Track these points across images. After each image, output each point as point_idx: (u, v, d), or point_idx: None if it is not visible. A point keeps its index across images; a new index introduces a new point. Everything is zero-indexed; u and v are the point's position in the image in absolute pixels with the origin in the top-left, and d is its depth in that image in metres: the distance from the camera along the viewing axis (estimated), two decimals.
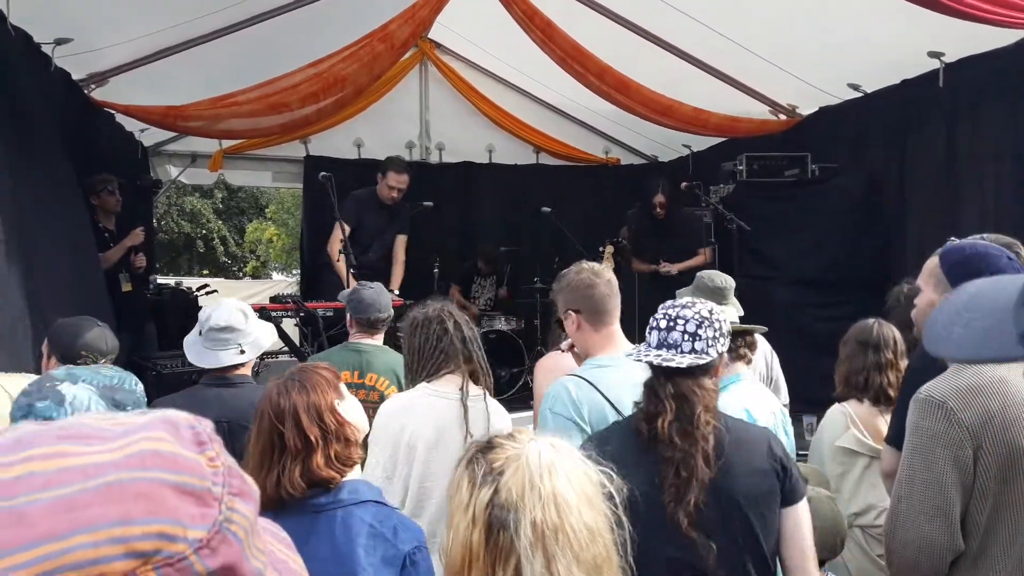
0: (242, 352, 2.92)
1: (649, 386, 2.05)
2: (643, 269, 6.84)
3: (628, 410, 2.46)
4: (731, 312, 3.45)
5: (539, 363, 3.39)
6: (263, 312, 5.03)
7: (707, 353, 2.05)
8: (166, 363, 5.66)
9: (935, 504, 1.89)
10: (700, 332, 2.05)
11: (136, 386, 1.71)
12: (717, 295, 3.60)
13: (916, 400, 1.97)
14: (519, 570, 1.29)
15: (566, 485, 1.33)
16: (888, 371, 3.00)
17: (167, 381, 5.53)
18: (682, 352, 2.03)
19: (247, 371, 3.00)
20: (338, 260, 5.71)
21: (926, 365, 2.43)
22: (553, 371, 3.15)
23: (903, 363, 3.01)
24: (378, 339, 3.64)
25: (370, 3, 5.92)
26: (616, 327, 2.62)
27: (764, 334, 3.41)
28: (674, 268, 6.53)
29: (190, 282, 8.93)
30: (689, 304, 2.10)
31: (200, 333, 2.99)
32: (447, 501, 1.49)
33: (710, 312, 2.09)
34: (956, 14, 4.16)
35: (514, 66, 7.71)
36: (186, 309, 7.24)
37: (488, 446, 1.40)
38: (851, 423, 3.01)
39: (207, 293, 7.68)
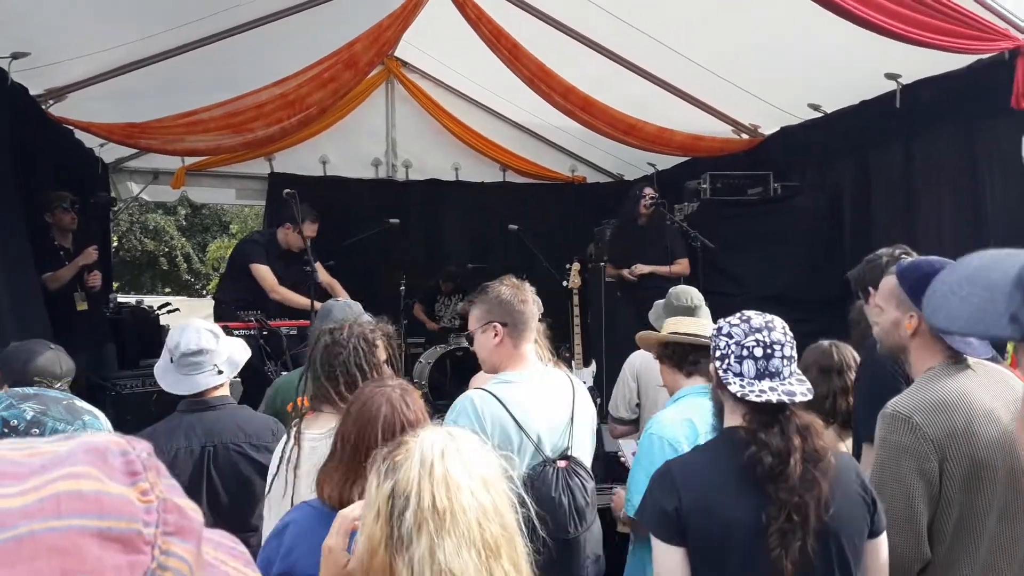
0: (220, 373, 2.83)
1: (769, 416, 1.88)
2: (615, 274, 6.71)
3: (532, 426, 2.44)
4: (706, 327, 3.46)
5: (474, 377, 3.35)
6: (225, 331, 4.96)
7: (800, 372, 1.96)
8: (125, 383, 5.55)
9: (902, 515, 1.94)
10: (794, 353, 1.96)
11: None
12: (689, 314, 3.61)
13: (883, 415, 2.03)
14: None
15: (458, 468, 1.35)
16: (852, 394, 3.02)
17: (126, 401, 5.42)
18: (787, 380, 1.91)
19: (225, 391, 2.89)
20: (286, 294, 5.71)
21: (875, 368, 2.53)
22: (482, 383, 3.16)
23: None
24: None
25: (334, 21, 5.91)
26: (531, 345, 2.60)
27: None
28: (645, 269, 6.36)
29: (151, 300, 8.78)
30: (770, 325, 1.97)
31: (172, 360, 2.87)
32: None
33: (789, 328, 1.99)
34: (911, 42, 4.27)
35: (480, 84, 7.74)
36: (147, 328, 7.12)
37: (396, 445, 1.44)
38: None
39: (168, 311, 7.56)
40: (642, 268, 6.41)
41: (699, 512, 1.86)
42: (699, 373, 2.95)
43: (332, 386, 2.44)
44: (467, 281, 7.98)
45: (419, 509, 1.31)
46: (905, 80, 5.29)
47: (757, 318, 1.99)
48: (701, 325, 3.08)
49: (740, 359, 1.94)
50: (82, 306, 5.55)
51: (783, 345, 1.93)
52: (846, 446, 2.98)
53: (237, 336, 4.97)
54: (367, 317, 3.22)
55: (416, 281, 7.72)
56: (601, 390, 5.78)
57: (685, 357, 2.93)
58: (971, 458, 1.94)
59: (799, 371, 1.96)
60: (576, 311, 6.06)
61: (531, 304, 2.57)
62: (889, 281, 2.25)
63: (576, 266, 6.37)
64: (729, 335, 1.98)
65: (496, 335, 2.55)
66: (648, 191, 6.51)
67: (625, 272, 6.46)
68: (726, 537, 1.84)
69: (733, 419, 1.97)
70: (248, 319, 5.21)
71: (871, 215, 5.83)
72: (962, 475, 1.93)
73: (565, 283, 6.33)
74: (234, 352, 2.92)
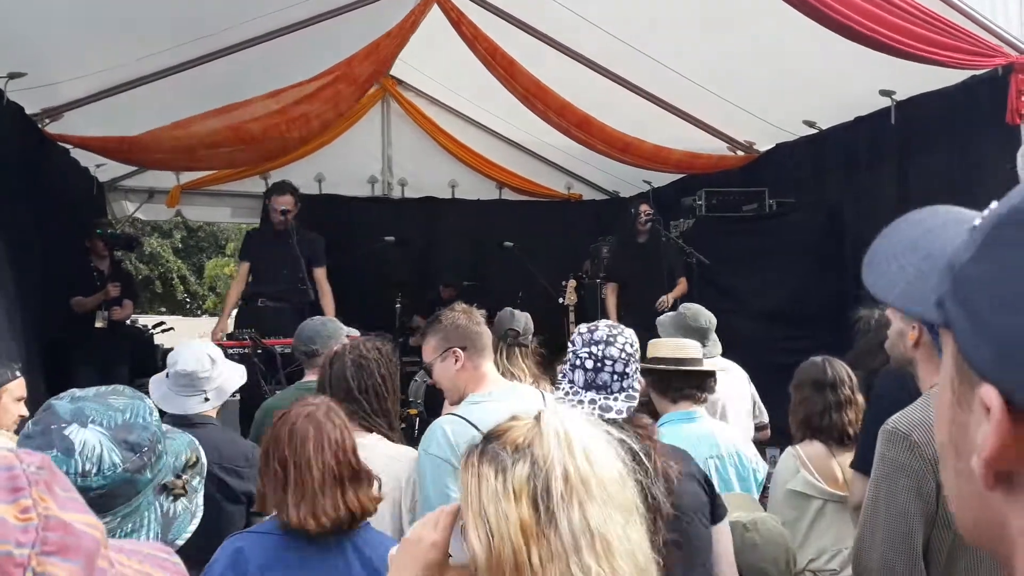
0: (206, 400, 2.90)
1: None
2: (613, 304, 6.66)
3: None
4: (708, 350, 3.41)
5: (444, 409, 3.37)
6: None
7: (635, 389, 2.07)
8: None
9: (898, 531, 1.92)
10: (628, 370, 2.07)
11: (150, 416, 1.47)
12: (701, 335, 3.58)
13: (883, 431, 2.01)
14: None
15: (589, 438, 1.37)
16: (847, 409, 2.96)
17: None
18: (613, 394, 2.04)
19: (211, 411, 2.98)
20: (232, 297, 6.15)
21: (892, 393, 2.48)
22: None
23: (859, 398, 3.02)
24: None
25: (333, 41, 5.92)
26: (491, 365, 2.64)
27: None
28: (669, 299, 6.20)
29: (146, 320, 8.75)
30: (611, 339, 2.09)
31: (167, 375, 2.95)
32: None
33: (632, 346, 2.11)
34: (910, 56, 4.28)
35: (476, 103, 7.76)
36: (141, 347, 7.09)
37: (494, 436, 1.37)
38: (801, 465, 2.98)
39: (164, 331, 7.53)
40: (666, 299, 6.21)
41: None
42: (685, 399, 2.90)
43: (365, 399, 2.64)
44: (465, 294, 7.95)
45: (567, 481, 1.30)
46: (899, 97, 5.31)
47: (602, 330, 2.12)
48: (685, 349, 2.99)
49: (573, 368, 2.10)
50: (100, 324, 5.96)
51: (615, 361, 2.06)
52: (838, 462, 2.95)
53: (232, 354, 4.95)
54: (346, 331, 3.30)
55: (412, 299, 7.70)
56: None
57: (669, 384, 2.90)
58: None
59: (634, 388, 2.08)
60: (572, 328, 6.04)
61: (485, 325, 2.63)
62: None
63: (572, 283, 6.38)
64: (573, 342, 2.13)
65: (457, 360, 2.54)
66: (644, 208, 6.52)
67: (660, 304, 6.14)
68: None
69: None
70: (242, 337, 5.17)
71: (867, 231, 5.77)
72: None
73: (561, 300, 6.32)
74: (226, 380, 2.99)
